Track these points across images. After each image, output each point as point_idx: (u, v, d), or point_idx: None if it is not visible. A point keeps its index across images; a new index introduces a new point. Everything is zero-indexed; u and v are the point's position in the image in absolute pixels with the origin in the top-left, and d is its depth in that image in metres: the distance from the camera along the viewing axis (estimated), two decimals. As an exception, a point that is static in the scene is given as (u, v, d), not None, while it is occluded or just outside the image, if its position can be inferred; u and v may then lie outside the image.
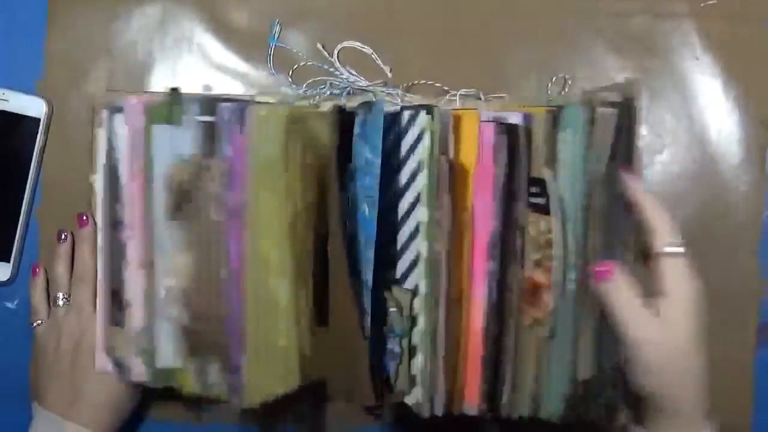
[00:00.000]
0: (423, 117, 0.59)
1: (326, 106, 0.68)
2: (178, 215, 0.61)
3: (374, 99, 0.69)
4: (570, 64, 0.71)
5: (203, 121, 0.60)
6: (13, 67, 0.71)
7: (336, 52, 0.71)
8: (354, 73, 0.70)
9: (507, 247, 0.59)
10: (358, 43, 0.71)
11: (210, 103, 0.60)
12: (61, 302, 0.67)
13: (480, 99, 0.70)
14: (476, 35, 0.72)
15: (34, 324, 0.68)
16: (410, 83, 0.71)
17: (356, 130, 0.60)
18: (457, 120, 0.60)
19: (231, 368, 0.60)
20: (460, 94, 0.69)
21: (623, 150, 0.59)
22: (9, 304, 0.71)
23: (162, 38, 0.71)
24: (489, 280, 0.59)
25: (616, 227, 0.58)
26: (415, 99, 0.70)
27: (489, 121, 0.59)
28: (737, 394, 0.71)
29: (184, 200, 0.61)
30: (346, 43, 0.71)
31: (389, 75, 0.71)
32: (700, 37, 0.72)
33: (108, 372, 0.65)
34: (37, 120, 0.70)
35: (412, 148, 0.60)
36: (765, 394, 0.71)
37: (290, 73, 0.71)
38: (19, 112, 0.70)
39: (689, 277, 0.56)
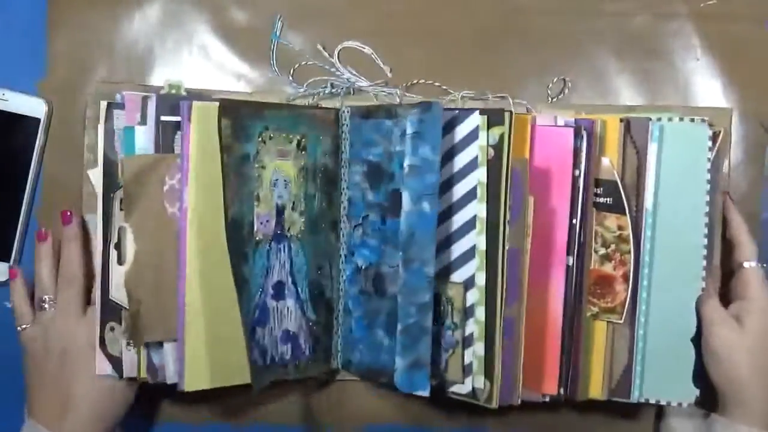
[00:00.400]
0: (476, 116, 0.62)
1: (328, 105, 0.69)
2: (128, 207, 0.62)
3: (375, 99, 0.70)
4: (570, 65, 0.72)
5: (167, 121, 0.63)
6: (13, 67, 0.71)
7: (336, 52, 0.71)
8: (354, 72, 0.70)
9: (581, 242, 0.65)
10: (358, 43, 0.71)
11: (174, 101, 0.62)
12: (47, 305, 0.65)
13: (487, 99, 0.70)
14: (476, 35, 0.72)
15: (19, 328, 0.66)
16: (410, 83, 0.71)
17: (410, 129, 0.61)
18: (523, 123, 0.63)
19: (177, 354, 0.63)
20: (462, 96, 0.70)
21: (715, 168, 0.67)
22: (9, 304, 0.71)
23: (163, 37, 0.71)
24: (567, 273, 0.64)
25: (711, 233, 0.66)
26: (416, 99, 0.70)
27: (568, 126, 0.64)
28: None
29: (133, 193, 0.62)
30: (346, 43, 0.71)
31: (389, 75, 0.71)
32: (700, 37, 0.72)
33: (109, 375, 0.64)
34: (37, 120, 0.70)
35: (460, 147, 0.62)
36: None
37: (291, 71, 0.71)
38: (19, 112, 0.70)
39: (766, 287, 0.66)
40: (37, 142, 0.70)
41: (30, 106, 0.70)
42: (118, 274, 0.63)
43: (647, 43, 0.72)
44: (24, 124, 0.70)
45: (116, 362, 0.65)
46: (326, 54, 0.71)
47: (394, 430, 0.72)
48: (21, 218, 0.70)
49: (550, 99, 0.71)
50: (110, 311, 0.64)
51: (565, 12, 0.72)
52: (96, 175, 0.65)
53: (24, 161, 0.70)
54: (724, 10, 0.72)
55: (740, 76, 0.72)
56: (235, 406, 0.72)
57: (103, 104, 0.65)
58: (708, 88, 0.72)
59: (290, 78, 0.71)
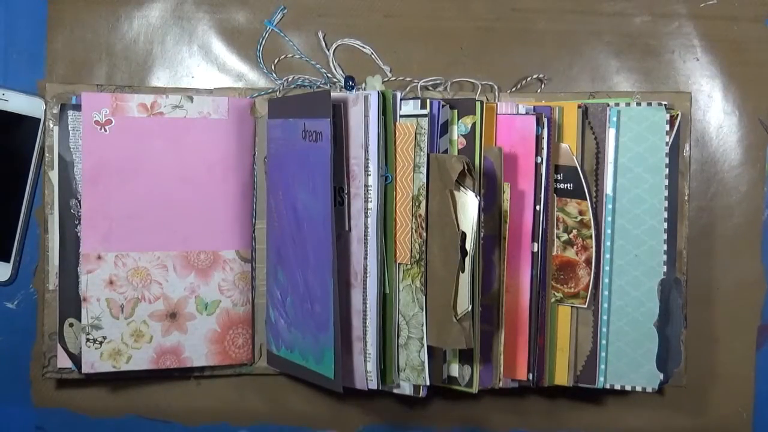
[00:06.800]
0: (446, 110, 0.63)
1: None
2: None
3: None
4: (570, 65, 0.72)
5: None
6: (13, 67, 0.71)
7: (333, 48, 0.71)
8: (344, 72, 0.70)
9: (545, 229, 0.65)
10: (359, 43, 0.71)
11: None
12: None
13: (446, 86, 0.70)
14: (476, 35, 0.72)
15: None
16: (409, 82, 0.71)
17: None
18: (491, 112, 0.64)
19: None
20: (456, 96, 0.70)
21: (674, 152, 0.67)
22: (9, 304, 0.71)
23: (162, 37, 0.71)
24: (532, 260, 0.65)
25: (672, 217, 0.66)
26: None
27: (528, 114, 0.65)
28: (739, 392, 0.72)
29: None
30: (347, 40, 0.71)
31: (389, 75, 0.71)
32: (700, 37, 0.72)
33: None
34: (37, 120, 0.70)
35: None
36: (766, 393, 0.72)
37: (274, 64, 0.71)
38: (19, 112, 0.70)
39: None
40: (37, 142, 0.70)
41: (30, 106, 0.70)
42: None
43: (647, 43, 0.72)
44: (24, 124, 0.70)
45: (75, 358, 0.66)
46: (324, 44, 0.71)
47: (390, 429, 0.72)
48: (21, 218, 0.70)
49: (515, 88, 0.71)
50: (70, 306, 0.66)
51: (565, 12, 0.72)
52: (54, 176, 0.66)
53: (24, 161, 0.70)
54: (724, 10, 0.72)
55: (740, 76, 0.72)
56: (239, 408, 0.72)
57: (56, 107, 0.66)
58: (708, 88, 0.72)
59: (272, 69, 0.71)
